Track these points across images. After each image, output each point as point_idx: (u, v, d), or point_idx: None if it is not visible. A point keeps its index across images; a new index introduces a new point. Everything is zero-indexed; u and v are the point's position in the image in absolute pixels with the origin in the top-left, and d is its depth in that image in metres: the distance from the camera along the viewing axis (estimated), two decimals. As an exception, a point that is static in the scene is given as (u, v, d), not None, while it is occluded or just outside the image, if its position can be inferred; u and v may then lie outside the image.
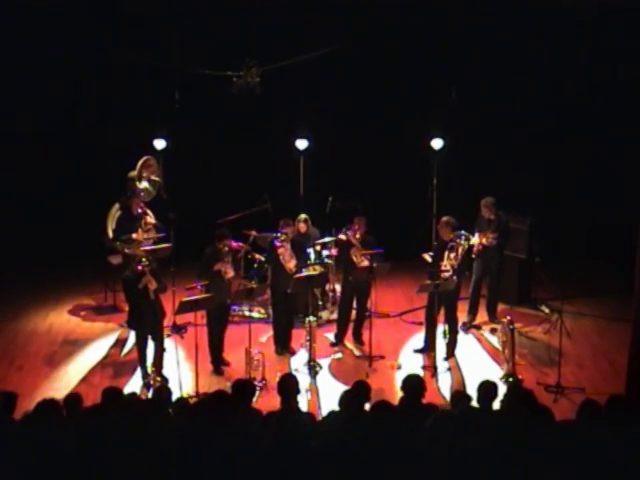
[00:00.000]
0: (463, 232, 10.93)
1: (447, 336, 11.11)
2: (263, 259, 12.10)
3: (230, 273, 10.72)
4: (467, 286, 12.09)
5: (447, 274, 10.82)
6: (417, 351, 11.22)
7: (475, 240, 11.81)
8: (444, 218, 11.11)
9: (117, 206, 12.41)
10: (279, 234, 11.08)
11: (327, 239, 12.28)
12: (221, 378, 10.52)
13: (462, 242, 10.87)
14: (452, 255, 10.86)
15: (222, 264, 10.62)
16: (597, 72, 13.48)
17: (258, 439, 6.12)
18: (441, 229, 11.10)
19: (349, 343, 11.60)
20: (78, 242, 13.58)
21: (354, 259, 11.27)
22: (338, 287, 12.35)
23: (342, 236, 11.41)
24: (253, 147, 14.08)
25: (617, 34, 13.25)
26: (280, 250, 11.10)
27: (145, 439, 6.01)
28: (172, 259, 11.99)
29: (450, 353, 11.06)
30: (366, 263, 11.19)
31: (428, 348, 11.05)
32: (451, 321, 11.10)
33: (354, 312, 11.70)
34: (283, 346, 11.30)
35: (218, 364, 10.79)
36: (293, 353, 11.29)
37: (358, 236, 11.24)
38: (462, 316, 12.08)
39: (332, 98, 13.83)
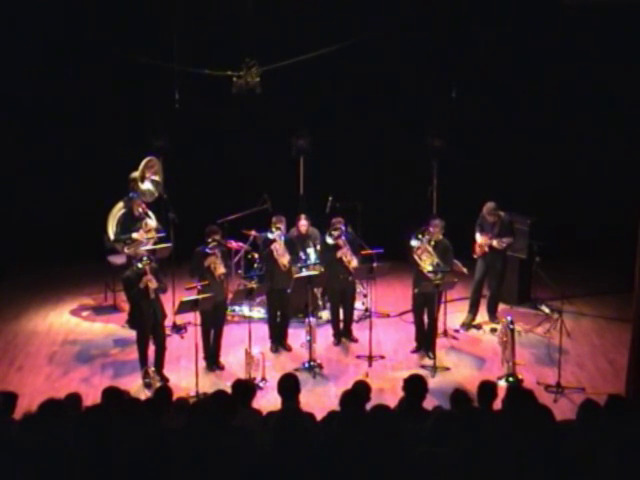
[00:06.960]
0: (421, 237, 10.93)
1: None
2: (257, 255, 12.12)
3: (220, 269, 10.64)
4: (467, 286, 12.11)
5: (432, 275, 10.88)
6: (413, 351, 11.29)
7: (477, 240, 11.84)
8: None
9: (120, 205, 12.41)
10: (273, 229, 11.13)
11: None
12: (221, 378, 10.53)
13: (424, 243, 10.90)
14: (425, 258, 10.91)
15: (211, 259, 10.60)
16: (598, 71, 13.47)
17: (258, 439, 6.12)
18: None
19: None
20: (78, 242, 13.59)
21: (344, 259, 11.28)
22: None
23: (331, 240, 11.32)
24: (253, 147, 14.08)
25: (617, 33, 13.24)
26: (274, 245, 11.12)
27: (145, 439, 6.00)
28: (172, 259, 12.02)
29: (432, 349, 11.02)
30: (355, 263, 11.22)
31: (421, 347, 11.22)
32: (433, 319, 11.12)
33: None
34: (278, 343, 11.35)
35: (213, 361, 10.81)
36: (290, 350, 11.35)
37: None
38: (462, 316, 12.11)
39: (332, 98, 13.83)
